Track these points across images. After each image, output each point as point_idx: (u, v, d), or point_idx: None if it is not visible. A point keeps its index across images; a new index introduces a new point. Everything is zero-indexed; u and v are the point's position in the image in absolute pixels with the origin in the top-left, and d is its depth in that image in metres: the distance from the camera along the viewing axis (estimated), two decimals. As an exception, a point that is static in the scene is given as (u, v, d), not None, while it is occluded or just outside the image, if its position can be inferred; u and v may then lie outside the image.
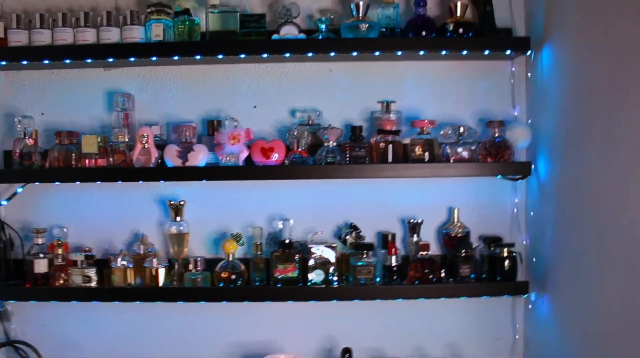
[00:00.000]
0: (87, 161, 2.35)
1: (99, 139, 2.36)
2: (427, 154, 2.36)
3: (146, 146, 2.34)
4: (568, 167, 2.16)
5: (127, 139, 2.36)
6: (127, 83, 2.50)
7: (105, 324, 2.56)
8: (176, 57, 2.30)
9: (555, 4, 2.22)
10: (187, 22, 2.31)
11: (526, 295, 2.43)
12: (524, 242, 2.50)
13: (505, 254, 2.38)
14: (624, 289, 1.78)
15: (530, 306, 2.49)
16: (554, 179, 2.27)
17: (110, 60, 2.33)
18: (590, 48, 1.98)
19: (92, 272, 2.38)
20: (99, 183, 2.46)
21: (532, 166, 2.38)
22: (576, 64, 2.10)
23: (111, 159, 2.35)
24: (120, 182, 2.45)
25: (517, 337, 2.56)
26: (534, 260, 2.43)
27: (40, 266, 2.39)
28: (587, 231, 2.01)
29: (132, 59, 2.32)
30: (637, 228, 1.71)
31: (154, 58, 2.31)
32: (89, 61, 2.33)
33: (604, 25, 1.89)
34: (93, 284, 2.38)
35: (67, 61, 2.33)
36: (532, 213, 2.47)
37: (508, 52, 2.34)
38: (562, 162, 2.21)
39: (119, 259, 2.40)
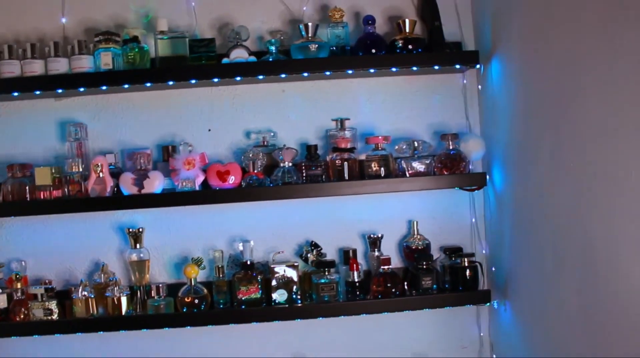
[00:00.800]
0: (41, 193, 2.32)
1: (53, 171, 2.33)
2: (383, 169, 2.37)
3: (101, 176, 2.32)
4: (522, 176, 2.19)
5: (81, 169, 2.34)
6: (79, 112, 2.48)
7: (69, 356, 2.52)
8: (126, 86, 2.29)
9: (501, 17, 2.25)
10: (136, 50, 2.30)
11: (489, 303, 2.45)
12: (484, 251, 2.53)
13: (466, 264, 2.40)
14: (579, 292, 1.82)
15: (493, 314, 2.53)
16: (509, 189, 2.30)
17: (60, 91, 2.30)
18: (536, 60, 2.02)
19: (53, 305, 2.35)
20: (55, 214, 2.43)
21: (488, 177, 2.41)
22: (523, 76, 2.13)
23: (66, 190, 2.33)
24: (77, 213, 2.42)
25: (483, 344, 2.58)
26: (494, 268, 2.47)
27: (-1, 301, 2.36)
28: (542, 238, 2.04)
29: (81, 89, 2.30)
30: (588, 233, 1.74)
31: (104, 87, 2.29)
32: (37, 92, 2.30)
33: (547, 38, 1.92)
34: (54, 317, 2.35)
35: (16, 94, 2.30)
36: (490, 223, 2.50)
37: (457, 66, 2.37)
38: (516, 172, 2.24)
39: (80, 289, 2.37)
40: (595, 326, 1.75)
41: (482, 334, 2.58)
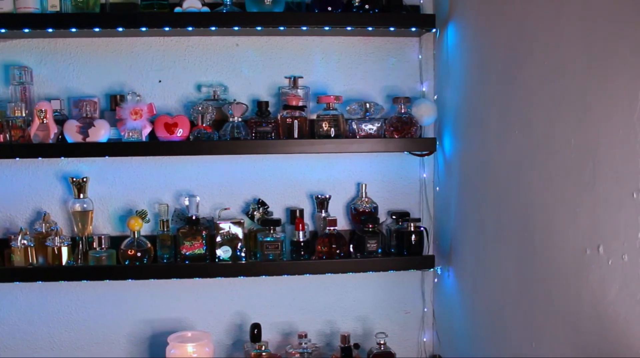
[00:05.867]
0: (-19, 136, 2.26)
1: (-6, 114, 2.27)
2: (333, 130, 2.35)
3: (45, 122, 2.26)
4: (470, 143, 2.20)
5: (24, 114, 2.27)
6: (24, 55, 2.40)
7: (8, 305, 2.47)
8: (74, 30, 2.22)
9: (459, -18, 2.24)
10: (86, -7, 2.23)
11: (432, 269, 2.47)
12: (431, 217, 2.54)
13: (412, 229, 2.41)
14: (517, 261, 1.85)
15: (436, 280, 2.55)
16: (458, 156, 2.31)
17: (3, 31, 2.22)
18: (490, 27, 2.02)
19: (-10, 252, 2.31)
20: (-4, 159, 2.37)
21: (438, 143, 2.41)
22: (477, 43, 2.13)
23: (8, 136, 2.26)
24: (18, 159, 2.36)
25: (425, 309, 2.61)
26: (439, 235, 2.48)
27: None
28: (486, 206, 2.06)
29: (26, 31, 2.22)
30: (528, 203, 1.77)
31: (50, 30, 2.22)
32: (-21, 31, 2.23)
33: (501, 5, 1.92)
34: (-8, 264, 2.31)
35: (-44, 31, 2.22)
36: (438, 189, 2.51)
37: (413, 29, 2.35)
38: (465, 139, 2.24)
39: (20, 238, 2.32)
40: (531, 295, 1.78)
41: (425, 299, 2.60)
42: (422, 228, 2.43)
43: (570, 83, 1.54)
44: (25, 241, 2.33)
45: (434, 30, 2.38)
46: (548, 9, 1.64)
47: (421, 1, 2.46)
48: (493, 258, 2.03)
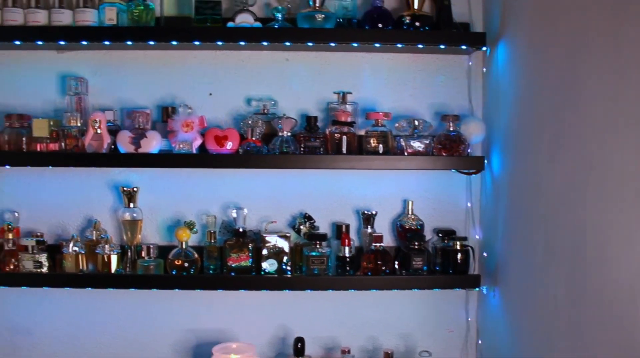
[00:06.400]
0: (38, 145, 2.31)
1: (51, 123, 2.32)
2: (381, 146, 2.35)
3: (99, 132, 2.31)
4: (520, 163, 2.17)
5: (79, 124, 2.33)
6: (80, 67, 2.46)
7: (57, 310, 2.54)
8: (129, 42, 2.27)
9: (512, 1, 2.22)
10: (142, 7, 2.28)
11: (478, 288, 2.45)
12: (477, 236, 2.52)
13: (458, 247, 2.39)
14: (568, 283, 1.81)
15: (482, 299, 2.52)
16: (506, 175, 2.28)
17: (62, 43, 2.29)
18: (543, 46, 1.99)
19: (43, 258, 2.36)
20: (50, 167, 2.43)
21: (486, 161, 2.39)
22: (529, 61, 2.11)
23: (63, 144, 2.32)
24: (71, 167, 2.42)
25: (469, 329, 2.58)
26: (485, 254, 2.46)
27: (-10, 251, 2.37)
28: (535, 226, 2.03)
29: (84, 43, 2.28)
30: (580, 225, 1.74)
31: (107, 42, 2.28)
32: (40, 43, 2.29)
33: (556, 24, 1.90)
34: (44, 270, 2.36)
35: (18, 42, 2.28)
36: (485, 208, 2.49)
37: (464, 47, 2.34)
38: (514, 157, 2.22)
39: (71, 245, 2.37)
40: (581, 318, 1.74)
41: (469, 319, 2.58)
42: (468, 247, 2.41)
43: (629, 104, 1.51)
44: (76, 248, 2.38)
45: (484, 48, 2.37)
46: (605, 27, 1.61)
47: (471, 18, 2.45)
48: (542, 280, 1.99)
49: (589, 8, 1.70)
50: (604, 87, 1.62)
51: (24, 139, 2.31)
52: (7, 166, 2.43)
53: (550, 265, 1.93)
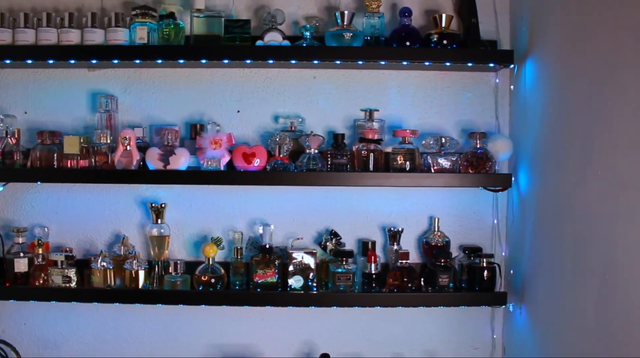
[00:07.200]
0: (69, 161, 2.35)
1: (81, 140, 2.35)
2: (408, 163, 2.36)
3: (128, 149, 2.34)
4: (547, 180, 2.17)
5: (109, 141, 2.36)
6: (111, 84, 2.50)
7: (85, 324, 2.56)
8: (160, 61, 2.31)
9: (540, 19, 2.23)
10: (172, 26, 2.31)
11: (504, 306, 2.44)
12: (504, 253, 2.51)
13: (485, 264, 2.39)
14: (597, 301, 1.80)
15: (508, 317, 2.51)
16: (533, 192, 2.28)
17: (94, 61, 2.33)
18: (571, 64, 1.99)
19: (72, 272, 2.38)
20: (80, 183, 2.46)
21: (513, 178, 2.39)
22: (557, 79, 2.11)
23: (93, 161, 2.35)
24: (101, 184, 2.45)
25: (494, 346, 2.56)
26: (512, 271, 2.45)
27: (20, 265, 2.39)
28: (563, 244, 2.02)
29: (115, 61, 2.32)
30: (611, 243, 1.73)
31: (138, 61, 2.31)
32: (72, 61, 2.33)
33: (584, 42, 1.90)
34: (73, 284, 2.38)
35: (51, 61, 2.33)
36: (512, 225, 2.48)
37: (491, 64, 2.35)
38: (541, 175, 2.22)
39: (100, 260, 2.40)
40: (610, 338, 1.73)
41: (495, 336, 2.57)
42: (494, 264, 2.40)
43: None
44: (104, 263, 2.40)
45: (512, 66, 2.37)
46: (635, 45, 1.61)
47: (499, 36, 2.46)
48: (570, 299, 1.98)
49: (618, 25, 1.70)
50: (634, 105, 1.61)
51: (55, 155, 2.35)
52: (39, 182, 2.47)
53: (579, 283, 1.92)
